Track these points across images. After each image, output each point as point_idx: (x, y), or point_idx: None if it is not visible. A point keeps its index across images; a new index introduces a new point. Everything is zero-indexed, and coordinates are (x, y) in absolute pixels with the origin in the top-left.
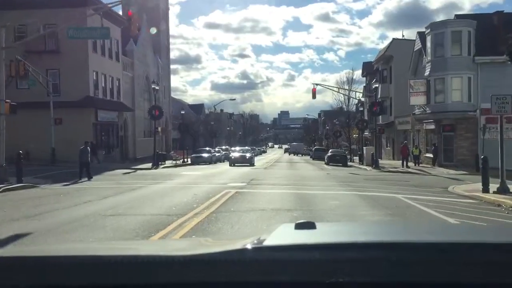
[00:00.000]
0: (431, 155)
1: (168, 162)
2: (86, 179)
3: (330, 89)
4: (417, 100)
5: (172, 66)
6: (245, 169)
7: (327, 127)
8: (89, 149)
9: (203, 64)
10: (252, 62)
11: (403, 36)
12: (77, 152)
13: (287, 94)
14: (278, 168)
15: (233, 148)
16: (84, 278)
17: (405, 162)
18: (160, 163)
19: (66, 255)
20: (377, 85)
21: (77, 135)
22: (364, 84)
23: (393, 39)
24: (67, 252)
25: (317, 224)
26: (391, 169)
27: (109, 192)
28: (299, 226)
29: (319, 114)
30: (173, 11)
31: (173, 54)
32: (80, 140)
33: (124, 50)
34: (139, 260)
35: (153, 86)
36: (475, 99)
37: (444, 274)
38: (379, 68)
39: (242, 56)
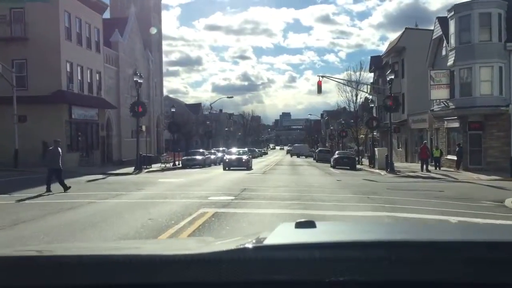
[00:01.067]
0: (454, 157)
1: (156, 166)
2: (51, 191)
3: (336, 81)
4: (439, 93)
5: (173, 68)
6: (240, 174)
7: (331, 127)
8: (60, 150)
9: (204, 66)
10: (253, 64)
11: (416, 25)
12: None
13: (288, 95)
14: (278, 172)
15: (228, 150)
16: (87, 277)
17: (425, 165)
18: (145, 166)
19: (68, 255)
20: (392, 77)
21: (46, 135)
22: (372, 80)
23: (406, 28)
24: (70, 252)
25: (317, 223)
26: (410, 174)
27: (33, 212)
28: (299, 225)
29: (322, 115)
30: (174, 13)
31: (174, 56)
32: (49, 141)
33: (108, 41)
34: (141, 259)
35: (135, 79)
36: (507, 92)
37: (444, 273)
38: (390, 62)
39: (243, 57)
